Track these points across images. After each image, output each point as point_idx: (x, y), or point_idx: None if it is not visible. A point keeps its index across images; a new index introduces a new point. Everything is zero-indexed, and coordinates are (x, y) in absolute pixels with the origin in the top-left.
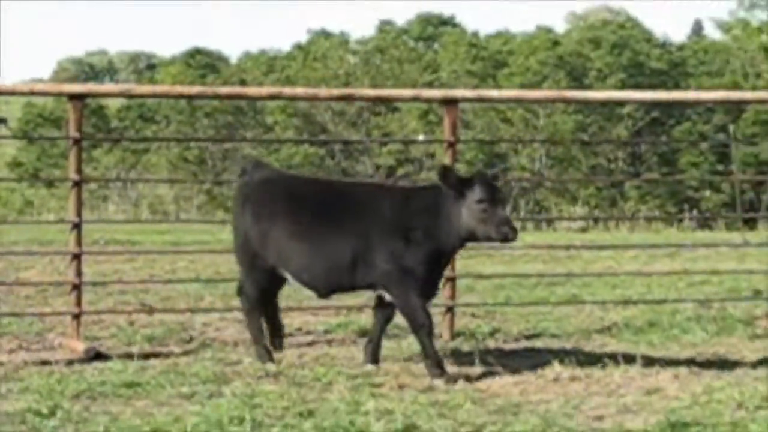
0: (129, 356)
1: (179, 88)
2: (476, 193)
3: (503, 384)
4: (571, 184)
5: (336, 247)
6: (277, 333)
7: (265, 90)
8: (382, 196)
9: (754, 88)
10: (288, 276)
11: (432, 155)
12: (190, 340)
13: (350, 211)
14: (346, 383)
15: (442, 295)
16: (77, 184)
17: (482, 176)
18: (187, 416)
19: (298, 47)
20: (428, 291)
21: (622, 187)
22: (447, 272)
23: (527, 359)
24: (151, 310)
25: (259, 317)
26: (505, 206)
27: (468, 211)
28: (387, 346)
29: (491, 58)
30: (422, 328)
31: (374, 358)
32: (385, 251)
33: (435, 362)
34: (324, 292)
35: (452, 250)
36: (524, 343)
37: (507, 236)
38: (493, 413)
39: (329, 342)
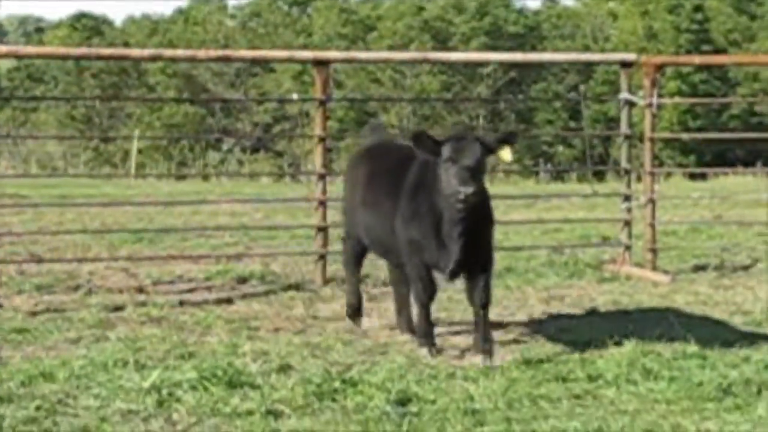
0: (19, 304)
1: (63, 49)
2: (443, 153)
3: (372, 326)
4: None
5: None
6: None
7: (146, 51)
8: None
9: (602, 50)
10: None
11: (307, 113)
12: (77, 288)
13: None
14: (224, 327)
15: (315, 244)
16: None
17: (454, 135)
18: (74, 360)
19: (179, 12)
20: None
21: None
22: (318, 222)
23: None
24: (40, 260)
25: (354, 273)
26: (468, 163)
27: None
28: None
29: (361, 22)
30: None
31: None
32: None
33: (423, 332)
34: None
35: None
36: (391, 288)
37: (455, 194)
38: (362, 353)
39: (209, 288)
